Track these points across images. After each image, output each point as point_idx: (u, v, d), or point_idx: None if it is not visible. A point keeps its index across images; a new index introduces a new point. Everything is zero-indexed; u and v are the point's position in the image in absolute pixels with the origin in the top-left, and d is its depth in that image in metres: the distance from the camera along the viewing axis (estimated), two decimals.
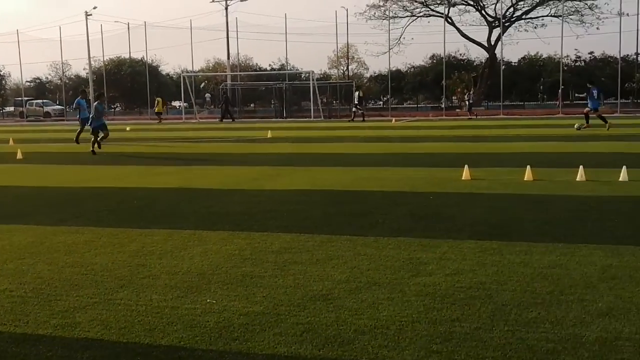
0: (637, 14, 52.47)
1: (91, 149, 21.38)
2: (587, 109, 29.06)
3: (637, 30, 54.12)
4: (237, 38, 65.88)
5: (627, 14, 53.50)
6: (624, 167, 12.78)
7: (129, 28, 66.26)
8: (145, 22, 63.91)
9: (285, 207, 10.29)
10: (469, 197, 11.02)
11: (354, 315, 5.17)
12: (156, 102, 54.93)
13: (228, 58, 66.56)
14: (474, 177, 13.18)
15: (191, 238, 8.08)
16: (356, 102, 47.14)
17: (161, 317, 5.21)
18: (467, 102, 50.74)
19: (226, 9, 63.59)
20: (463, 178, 13.08)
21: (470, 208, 9.98)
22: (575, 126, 28.53)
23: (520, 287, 5.86)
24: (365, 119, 45.75)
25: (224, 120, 51.51)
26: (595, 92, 28.64)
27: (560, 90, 53.08)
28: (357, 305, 5.39)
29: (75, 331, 4.93)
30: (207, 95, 75.07)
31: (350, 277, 6.22)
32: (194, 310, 5.36)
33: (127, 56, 71.93)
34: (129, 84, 71.02)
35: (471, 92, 54.00)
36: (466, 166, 13.43)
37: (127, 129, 38.80)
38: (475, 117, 46.20)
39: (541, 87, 67.31)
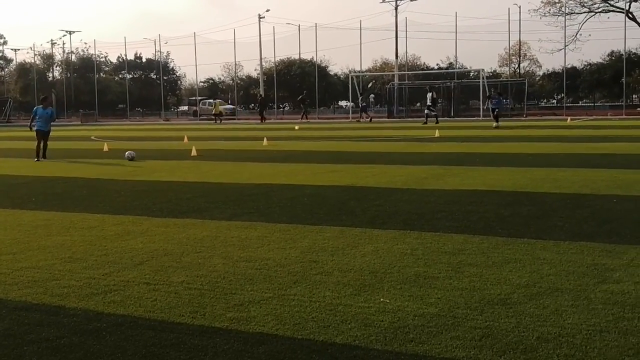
0: None
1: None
2: None
3: None
4: (406, 37, 66.53)
5: None
6: None
7: (299, 30, 68.50)
8: (315, 24, 65.73)
9: (455, 207, 10.01)
10: None
11: (535, 321, 4.89)
12: (214, 104, 55.98)
13: (396, 57, 67.03)
14: None
15: (362, 236, 8.01)
16: (429, 103, 44.07)
17: (335, 314, 5.15)
18: None
19: (396, 9, 63.92)
20: None
21: None
22: None
23: None
24: (438, 121, 42.19)
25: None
26: None
27: None
28: (539, 312, 5.11)
29: (250, 325, 4.95)
30: (371, 95, 75.63)
31: (530, 282, 5.92)
32: (368, 308, 5.26)
33: (297, 57, 74.18)
34: (298, 84, 72.99)
35: None
36: None
37: (296, 127, 40.00)
38: None
39: None
